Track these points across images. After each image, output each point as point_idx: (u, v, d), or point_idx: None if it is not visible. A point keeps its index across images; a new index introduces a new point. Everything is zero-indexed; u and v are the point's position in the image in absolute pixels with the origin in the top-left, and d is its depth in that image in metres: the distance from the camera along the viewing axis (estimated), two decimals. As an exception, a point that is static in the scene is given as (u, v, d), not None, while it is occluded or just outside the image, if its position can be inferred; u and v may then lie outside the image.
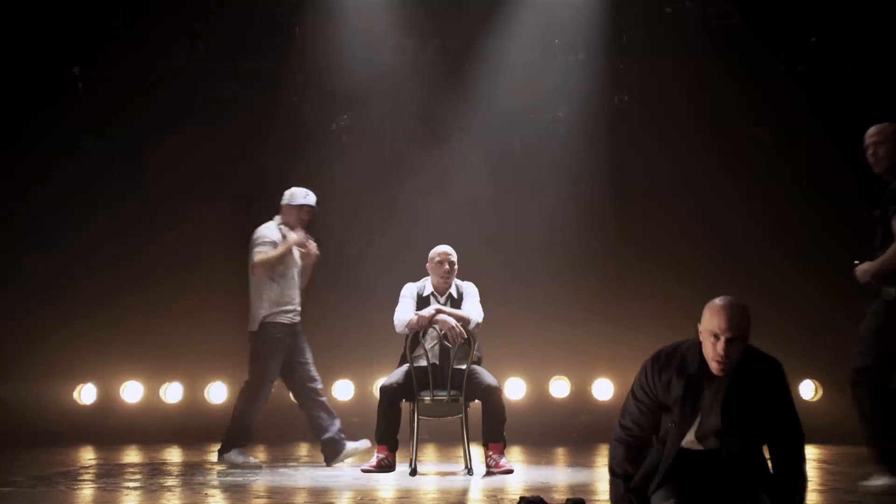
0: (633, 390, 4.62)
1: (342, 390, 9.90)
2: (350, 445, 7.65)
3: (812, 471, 7.30)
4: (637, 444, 4.57)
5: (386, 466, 6.96)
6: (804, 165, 9.78)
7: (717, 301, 4.43)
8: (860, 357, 6.27)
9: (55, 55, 9.97)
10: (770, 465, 4.50)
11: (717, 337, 4.35)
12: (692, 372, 4.44)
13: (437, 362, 7.05)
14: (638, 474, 4.56)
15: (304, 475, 7.04)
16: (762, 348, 4.56)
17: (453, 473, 7.11)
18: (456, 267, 7.27)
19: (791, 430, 4.46)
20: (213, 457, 7.81)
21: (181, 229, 9.88)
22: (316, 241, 7.97)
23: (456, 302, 7.21)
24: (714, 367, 4.38)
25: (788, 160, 9.80)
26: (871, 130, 6.47)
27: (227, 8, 9.96)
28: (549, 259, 9.83)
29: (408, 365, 7.04)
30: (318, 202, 7.93)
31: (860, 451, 8.52)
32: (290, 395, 8.35)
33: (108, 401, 9.86)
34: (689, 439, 4.53)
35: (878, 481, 6.13)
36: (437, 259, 7.25)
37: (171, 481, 6.65)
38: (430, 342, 7.10)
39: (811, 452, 8.57)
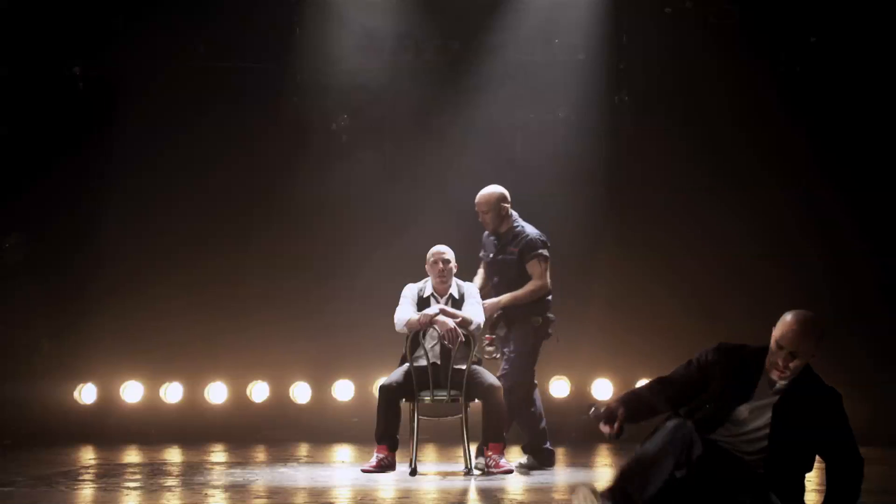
0: (688, 360, 4.74)
1: (342, 390, 9.89)
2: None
3: (812, 470, 7.29)
4: (664, 388, 4.67)
5: (386, 466, 6.96)
6: (805, 165, 9.78)
7: (790, 316, 4.58)
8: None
9: (56, 55, 9.97)
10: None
11: (780, 347, 4.52)
12: (750, 373, 4.60)
13: (438, 362, 7.05)
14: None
15: (304, 475, 7.04)
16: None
17: (453, 473, 7.11)
18: (452, 265, 7.25)
19: (848, 456, 4.58)
20: (214, 457, 7.80)
21: (181, 229, 9.88)
22: None
23: (457, 302, 7.20)
24: (774, 374, 4.55)
25: (789, 160, 9.80)
26: (478, 199, 7.55)
27: (227, 8, 9.96)
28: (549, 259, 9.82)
29: (408, 365, 7.04)
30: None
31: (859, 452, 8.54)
32: None
33: (108, 401, 9.86)
34: (730, 434, 4.59)
35: None
36: (432, 259, 7.25)
37: (171, 481, 6.65)
38: (430, 342, 7.10)
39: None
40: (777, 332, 4.54)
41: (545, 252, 7.49)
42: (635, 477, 4.46)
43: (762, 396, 4.60)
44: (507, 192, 7.59)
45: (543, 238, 7.53)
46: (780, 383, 4.57)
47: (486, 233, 7.67)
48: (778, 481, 4.54)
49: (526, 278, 7.42)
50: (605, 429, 4.59)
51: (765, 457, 4.56)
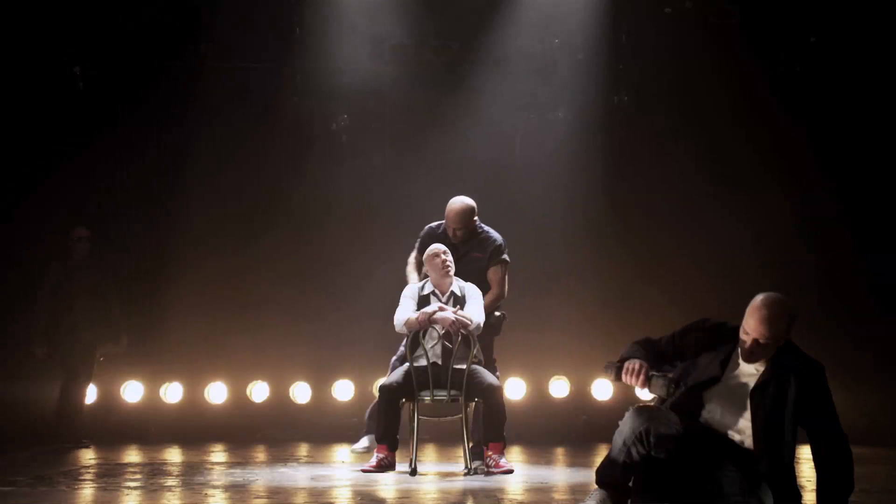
0: (673, 332, 4.74)
1: (342, 390, 9.90)
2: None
3: (812, 470, 7.29)
4: (651, 347, 4.69)
5: (386, 466, 6.96)
6: (804, 165, 9.79)
7: (759, 299, 4.51)
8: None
9: (56, 55, 9.98)
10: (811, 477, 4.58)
11: (746, 333, 4.48)
12: (724, 352, 4.57)
13: (440, 362, 7.04)
14: None
15: (304, 475, 7.04)
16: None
17: (453, 473, 7.11)
18: (450, 260, 7.23)
19: (830, 433, 4.53)
20: (214, 457, 7.77)
21: (181, 229, 9.88)
22: None
23: (459, 301, 7.19)
24: (743, 356, 4.52)
25: (788, 160, 9.81)
26: (452, 216, 7.37)
27: (227, 8, 9.97)
28: (548, 258, 9.84)
29: (408, 365, 7.04)
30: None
31: (858, 451, 8.54)
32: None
33: (108, 401, 9.86)
34: (710, 417, 4.60)
35: None
36: (431, 253, 7.23)
37: (171, 481, 6.65)
38: (430, 342, 7.09)
39: (810, 452, 8.54)
40: (746, 318, 4.49)
41: (507, 258, 7.50)
42: (608, 468, 4.56)
43: (733, 377, 4.55)
44: (474, 203, 7.48)
45: (506, 243, 7.53)
46: (756, 366, 4.54)
47: (431, 228, 7.53)
48: (766, 463, 4.50)
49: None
50: (631, 380, 4.61)
51: (752, 442, 4.52)
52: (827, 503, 4.52)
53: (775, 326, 4.44)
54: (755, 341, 4.45)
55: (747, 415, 4.53)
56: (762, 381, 4.53)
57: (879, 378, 9.44)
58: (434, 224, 7.58)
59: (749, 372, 4.56)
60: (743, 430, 4.55)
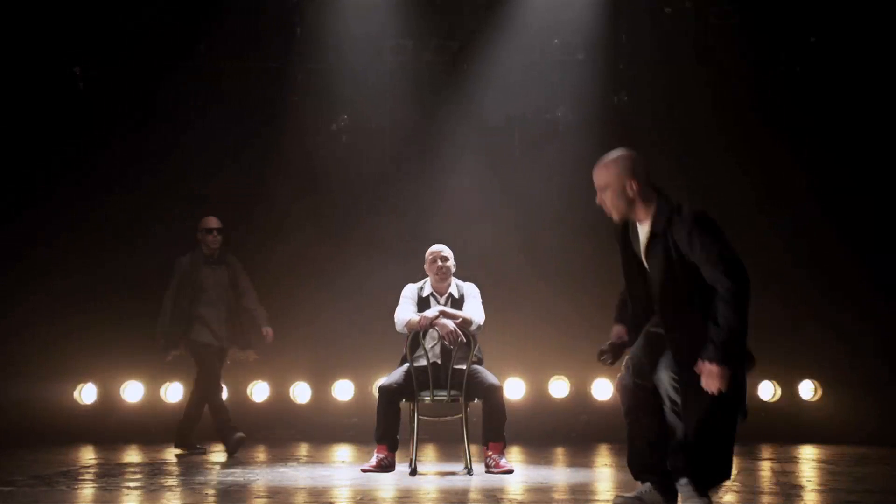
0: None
1: (342, 390, 9.90)
2: None
3: (812, 470, 7.30)
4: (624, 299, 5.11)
5: (386, 466, 6.96)
6: (804, 164, 9.79)
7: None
8: None
9: (56, 55, 9.98)
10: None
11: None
12: (625, 234, 4.94)
13: (439, 362, 7.05)
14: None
15: (304, 475, 7.04)
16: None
17: (453, 473, 7.11)
18: (450, 263, 7.24)
19: (712, 275, 4.64)
20: (214, 457, 7.76)
21: (181, 228, 9.86)
22: None
23: (457, 302, 7.20)
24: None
25: (789, 159, 9.81)
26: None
27: (227, 8, 9.97)
28: (548, 258, 9.84)
29: (407, 365, 7.04)
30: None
31: (860, 452, 8.55)
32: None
33: (108, 401, 9.86)
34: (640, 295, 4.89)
35: None
36: (430, 258, 7.24)
37: (171, 481, 6.65)
38: (430, 342, 7.10)
39: (810, 452, 8.57)
40: None
41: None
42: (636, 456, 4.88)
43: (633, 254, 4.83)
44: None
45: None
46: (642, 232, 4.72)
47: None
48: (673, 325, 4.68)
49: None
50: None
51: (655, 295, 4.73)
52: (712, 340, 4.56)
53: (605, 172, 4.88)
54: (599, 191, 4.81)
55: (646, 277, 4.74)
56: (648, 242, 4.73)
57: (888, 379, 9.43)
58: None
59: (640, 241, 4.78)
60: (653, 295, 4.77)
